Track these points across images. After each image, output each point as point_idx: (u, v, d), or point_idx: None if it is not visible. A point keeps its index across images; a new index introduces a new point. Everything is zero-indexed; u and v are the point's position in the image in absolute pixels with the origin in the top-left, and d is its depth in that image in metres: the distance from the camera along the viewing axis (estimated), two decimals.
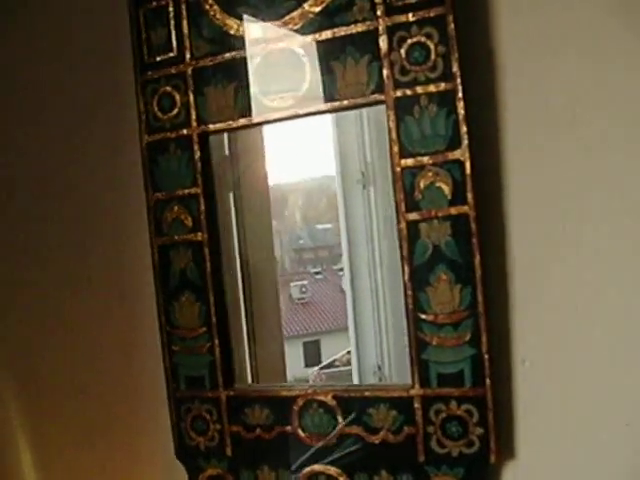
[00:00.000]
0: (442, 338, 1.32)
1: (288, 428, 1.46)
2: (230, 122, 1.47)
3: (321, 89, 1.39)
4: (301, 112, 1.42)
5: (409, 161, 1.32)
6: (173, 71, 1.51)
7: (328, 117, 1.73)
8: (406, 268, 1.34)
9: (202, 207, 1.50)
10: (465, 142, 1.28)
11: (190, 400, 1.55)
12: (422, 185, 1.32)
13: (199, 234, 1.51)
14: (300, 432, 1.46)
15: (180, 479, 1.59)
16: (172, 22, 1.50)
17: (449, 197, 1.30)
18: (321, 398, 1.43)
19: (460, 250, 1.30)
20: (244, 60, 1.45)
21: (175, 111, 1.51)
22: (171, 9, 1.50)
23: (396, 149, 1.33)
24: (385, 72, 1.32)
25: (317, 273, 2.59)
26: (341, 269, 2.03)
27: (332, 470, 1.44)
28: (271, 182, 1.80)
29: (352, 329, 1.96)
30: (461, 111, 1.28)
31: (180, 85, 1.50)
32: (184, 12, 1.49)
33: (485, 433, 1.31)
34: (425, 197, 1.32)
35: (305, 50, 1.40)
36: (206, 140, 1.50)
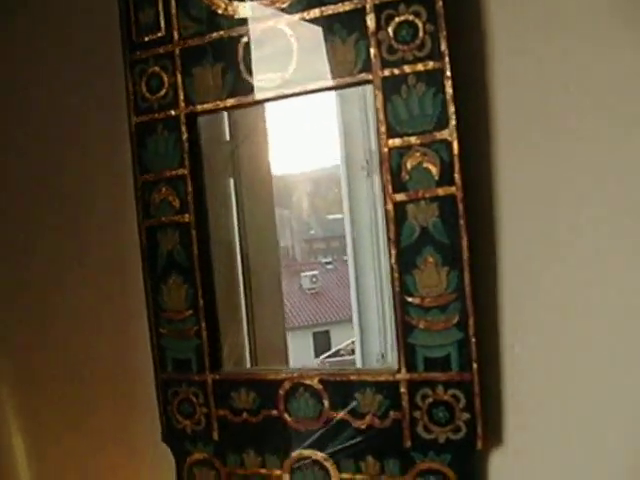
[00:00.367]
0: (429, 321, 1.30)
1: (274, 412, 1.45)
2: (218, 102, 1.45)
3: (309, 68, 1.37)
4: (289, 92, 1.40)
5: (396, 141, 1.30)
6: (161, 51, 1.49)
7: (333, 104, 1.71)
8: (393, 250, 1.31)
9: (189, 188, 1.49)
10: (453, 122, 1.25)
11: (177, 383, 1.53)
12: (409, 166, 1.29)
13: (186, 215, 1.49)
14: (286, 416, 1.44)
15: (168, 463, 1.58)
16: (160, 2, 1.48)
17: (436, 178, 1.28)
18: (307, 382, 1.41)
19: (447, 232, 1.27)
20: (232, 40, 1.42)
21: (163, 91, 1.50)
22: None
23: (383, 129, 1.30)
24: (372, 51, 1.30)
25: (328, 263, 2.56)
26: None
27: (319, 455, 1.42)
28: (279, 172, 1.79)
29: (356, 317, 1.94)
30: (449, 90, 1.25)
31: (168, 65, 1.49)
32: None
33: (472, 419, 1.29)
34: (412, 178, 1.29)
35: (293, 29, 1.38)
36: (194, 121, 1.49)
